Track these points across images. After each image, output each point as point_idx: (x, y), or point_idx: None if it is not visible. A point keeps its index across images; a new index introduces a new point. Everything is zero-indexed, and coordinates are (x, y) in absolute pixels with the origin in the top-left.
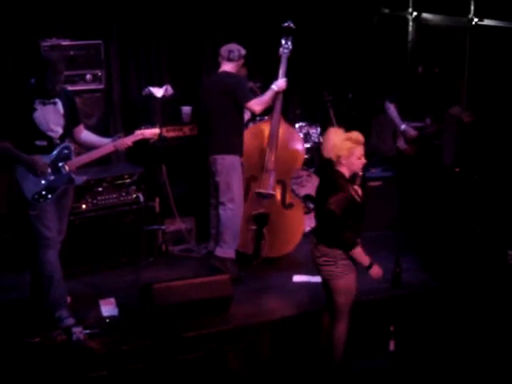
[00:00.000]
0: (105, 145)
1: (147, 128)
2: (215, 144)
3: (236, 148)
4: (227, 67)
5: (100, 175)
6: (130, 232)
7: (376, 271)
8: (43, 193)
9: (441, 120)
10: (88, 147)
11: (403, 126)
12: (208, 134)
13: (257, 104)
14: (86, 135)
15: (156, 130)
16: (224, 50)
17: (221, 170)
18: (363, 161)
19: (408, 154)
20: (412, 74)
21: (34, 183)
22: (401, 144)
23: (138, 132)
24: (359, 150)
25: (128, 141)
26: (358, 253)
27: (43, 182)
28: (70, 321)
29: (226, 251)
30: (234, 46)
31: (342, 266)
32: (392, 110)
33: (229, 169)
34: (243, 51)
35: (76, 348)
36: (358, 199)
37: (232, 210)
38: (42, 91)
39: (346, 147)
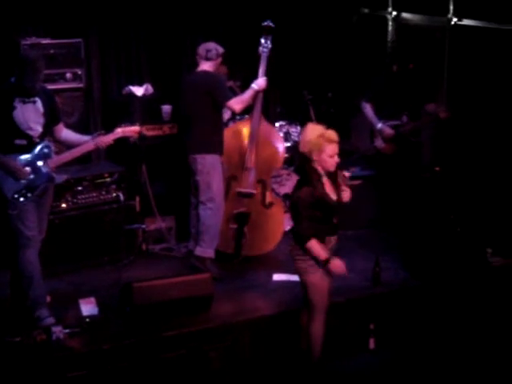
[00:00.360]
0: (85, 142)
1: (127, 126)
2: (195, 143)
3: (216, 147)
4: (205, 66)
5: (80, 174)
6: (110, 231)
7: (336, 265)
8: (23, 191)
9: (417, 117)
10: (68, 145)
11: (379, 125)
12: (188, 134)
13: (237, 103)
14: (66, 133)
15: (136, 128)
16: (202, 48)
17: (201, 170)
18: (335, 160)
19: (386, 152)
20: (387, 72)
21: (14, 182)
22: (378, 143)
23: (118, 130)
24: (331, 149)
25: (108, 138)
26: (313, 245)
27: (23, 181)
28: (50, 320)
29: (205, 250)
30: (211, 45)
31: (309, 261)
32: (368, 109)
33: (209, 168)
34: (221, 50)
35: (56, 347)
36: (332, 198)
37: (212, 209)
38: (22, 90)
39: (317, 143)
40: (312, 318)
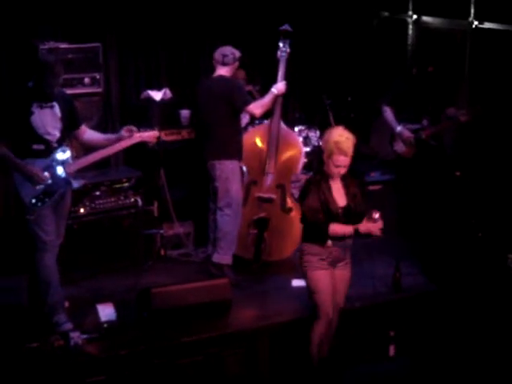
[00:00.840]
0: (106, 145)
1: (146, 131)
2: (214, 150)
3: (235, 153)
4: (222, 71)
5: (98, 179)
6: (128, 236)
7: (366, 227)
8: (41, 197)
9: (438, 121)
10: (94, 146)
11: (399, 128)
12: (206, 140)
13: (257, 107)
14: (89, 135)
15: (155, 133)
16: (218, 53)
17: (220, 176)
18: (340, 170)
19: (406, 157)
20: (407, 75)
21: (32, 188)
22: (399, 147)
23: (136, 135)
24: (338, 159)
25: (126, 144)
26: (333, 228)
27: (41, 186)
28: (68, 325)
29: (222, 257)
30: (227, 50)
31: (306, 261)
32: (388, 112)
33: (228, 174)
34: (237, 54)
35: (74, 353)
36: (339, 204)
37: (229, 215)
38: (40, 94)
39: (329, 148)
40: (314, 321)
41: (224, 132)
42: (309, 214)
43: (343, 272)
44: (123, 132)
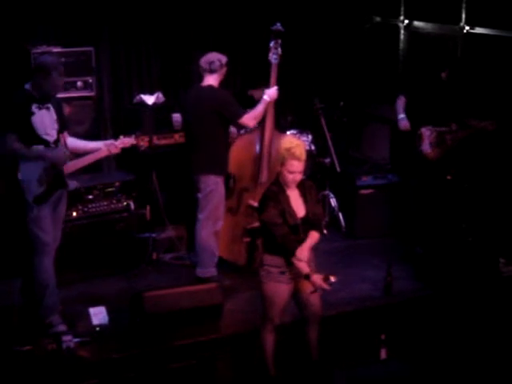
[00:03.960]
0: (95, 149)
1: (126, 136)
2: (200, 163)
3: (220, 169)
4: (211, 79)
5: (91, 183)
6: (120, 240)
7: (317, 281)
8: (42, 196)
9: (466, 126)
10: (74, 153)
11: (401, 115)
12: (193, 153)
13: (250, 119)
14: (71, 141)
15: (130, 140)
16: (203, 61)
17: (204, 189)
18: (294, 177)
19: (430, 158)
20: (435, 79)
21: (37, 186)
22: (425, 148)
23: (118, 141)
24: (292, 164)
25: (118, 147)
26: (297, 261)
27: (44, 185)
28: (62, 327)
29: (206, 271)
30: (213, 56)
31: (265, 271)
32: (401, 101)
33: (211, 188)
34: (224, 59)
35: (66, 356)
36: (297, 214)
37: (206, 227)
38: (38, 96)
39: (282, 156)
40: (262, 326)
41: (211, 146)
42: (271, 228)
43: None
44: (103, 146)
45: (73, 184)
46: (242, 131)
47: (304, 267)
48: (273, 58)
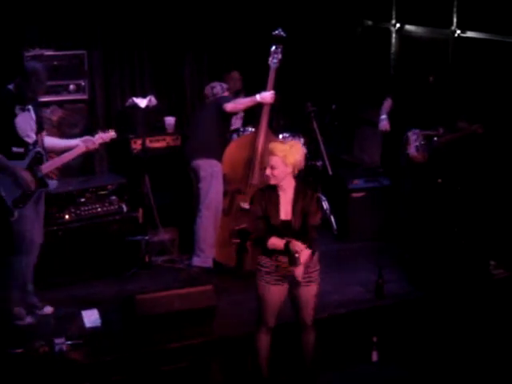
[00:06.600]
0: (73, 146)
1: (106, 132)
2: (201, 148)
3: (219, 154)
4: None
5: (83, 186)
6: (113, 242)
7: (298, 245)
8: (20, 198)
9: (454, 129)
10: (53, 151)
11: (382, 116)
12: (193, 139)
13: (230, 104)
14: (48, 140)
15: (111, 134)
16: (207, 88)
17: (204, 176)
18: (270, 172)
19: (417, 161)
20: (423, 83)
21: (14, 189)
22: (411, 151)
23: (94, 142)
24: (269, 159)
25: (96, 142)
26: (272, 240)
27: (20, 188)
28: (29, 319)
29: (204, 260)
30: (215, 83)
31: (258, 271)
32: (387, 103)
33: (212, 175)
34: (225, 85)
35: (58, 359)
36: (279, 216)
37: (207, 217)
38: (21, 98)
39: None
40: (256, 328)
41: (211, 132)
42: (251, 220)
43: (307, 289)
44: (80, 143)
45: (53, 184)
46: (235, 136)
47: (279, 242)
48: (272, 62)
